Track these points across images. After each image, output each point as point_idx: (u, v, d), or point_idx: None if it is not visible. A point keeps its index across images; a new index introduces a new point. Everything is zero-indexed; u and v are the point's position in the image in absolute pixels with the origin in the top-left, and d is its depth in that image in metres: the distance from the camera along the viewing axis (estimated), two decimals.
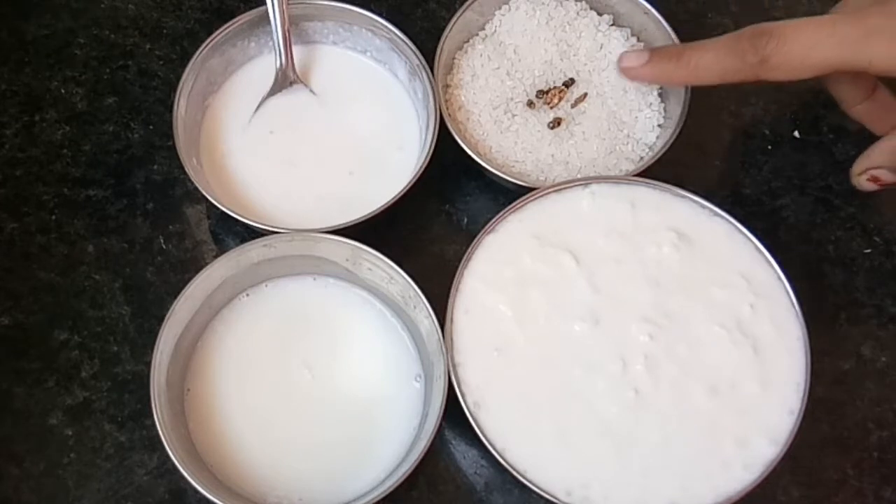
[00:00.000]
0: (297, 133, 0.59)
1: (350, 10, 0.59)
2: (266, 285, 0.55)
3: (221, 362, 0.53)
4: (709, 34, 0.53)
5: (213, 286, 0.52)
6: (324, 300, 0.55)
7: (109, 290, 0.56)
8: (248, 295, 0.55)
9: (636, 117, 0.58)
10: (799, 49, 0.48)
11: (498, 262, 0.52)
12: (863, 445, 0.54)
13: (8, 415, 0.53)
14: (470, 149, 0.56)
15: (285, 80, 0.60)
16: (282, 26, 0.58)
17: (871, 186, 0.53)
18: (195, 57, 0.57)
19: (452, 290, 0.51)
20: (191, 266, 0.57)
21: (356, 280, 0.54)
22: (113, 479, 0.52)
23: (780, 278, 0.51)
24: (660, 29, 0.59)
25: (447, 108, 0.58)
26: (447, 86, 0.60)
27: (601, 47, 0.60)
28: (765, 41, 0.48)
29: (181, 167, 0.54)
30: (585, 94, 0.59)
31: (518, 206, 0.53)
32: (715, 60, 0.51)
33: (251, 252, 0.52)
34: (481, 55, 0.60)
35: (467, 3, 0.59)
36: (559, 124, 0.58)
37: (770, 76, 0.49)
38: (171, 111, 0.55)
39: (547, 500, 0.47)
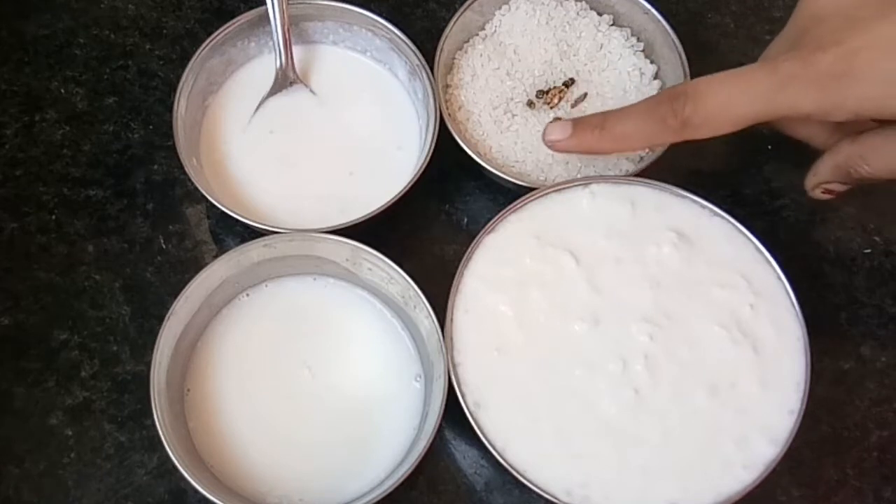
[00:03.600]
0: (297, 133, 0.59)
1: (350, 10, 0.59)
2: (266, 285, 0.55)
3: (221, 362, 0.53)
4: (709, 34, 0.53)
5: (213, 286, 0.52)
6: (324, 300, 0.55)
7: (109, 290, 0.56)
8: (248, 295, 0.55)
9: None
10: (716, 107, 0.48)
11: (498, 262, 0.52)
12: (863, 445, 0.54)
13: (8, 415, 0.53)
14: (470, 149, 0.56)
15: (285, 80, 0.60)
16: (282, 26, 0.58)
17: (827, 197, 0.54)
18: (195, 57, 0.57)
19: (452, 290, 0.51)
20: (191, 266, 0.57)
21: (356, 280, 0.54)
22: (113, 479, 0.52)
23: (780, 278, 0.51)
24: (660, 29, 0.59)
25: (447, 108, 0.58)
26: (447, 86, 0.60)
27: (601, 47, 0.60)
28: (682, 103, 0.49)
29: (181, 167, 0.54)
30: (585, 94, 0.59)
31: (518, 206, 0.53)
32: (637, 128, 0.51)
33: (251, 252, 0.52)
34: (481, 55, 0.60)
35: (467, 3, 0.59)
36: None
37: (695, 136, 0.50)
38: (171, 111, 0.55)
39: (547, 500, 0.47)
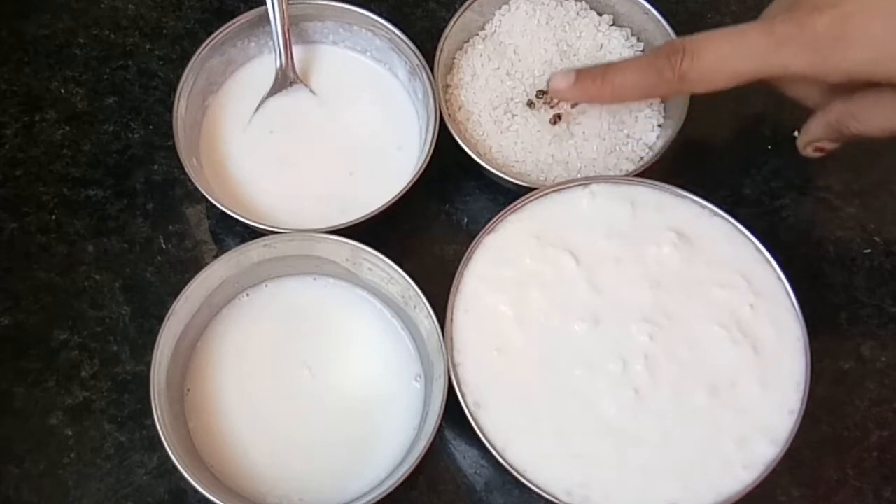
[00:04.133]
0: (296, 133, 0.59)
1: (350, 10, 0.59)
2: (266, 285, 0.55)
3: (221, 362, 0.53)
4: None
5: (213, 286, 0.52)
6: (324, 300, 0.55)
7: (109, 290, 0.56)
8: (248, 295, 0.55)
9: (636, 117, 0.58)
10: (712, 63, 0.50)
11: (498, 262, 0.52)
12: (863, 445, 0.54)
13: (8, 415, 0.53)
14: (470, 149, 0.56)
15: (285, 80, 0.60)
16: (282, 26, 0.58)
17: (818, 154, 0.55)
18: (195, 57, 0.57)
19: (452, 290, 0.51)
20: (191, 266, 0.57)
21: (356, 280, 0.54)
22: (113, 479, 0.52)
23: (780, 278, 0.51)
24: (660, 29, 0.59)
25: (447, 108, 0.58)
26: (447, 86, 0.60)
27: (601, 47, 0.60)
28: (679, 57, 0.50)
29: (181, 167, 0.54)
30: None
31: (518, 206, 0.53)
32: (635, 79, 0.53)
33: (251, 252, 0.52)
34: (481, 55, 0.60)
35: (467, 3, 0.59)
36: (560, 119, 0.57)
37: (690, 90, 0.53)
38: (171, 111, 0.55)
39: (547, 500, 0.47)
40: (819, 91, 0.53)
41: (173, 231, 0.58)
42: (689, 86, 0.51)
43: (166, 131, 0.57)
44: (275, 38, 0.58)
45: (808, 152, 0.55)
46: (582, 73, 0.55)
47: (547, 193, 0.53)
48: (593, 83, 0.54)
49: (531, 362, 0.49)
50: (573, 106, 0.58)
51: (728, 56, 0.50)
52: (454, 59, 0.60)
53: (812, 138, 0.54)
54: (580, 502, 0.47)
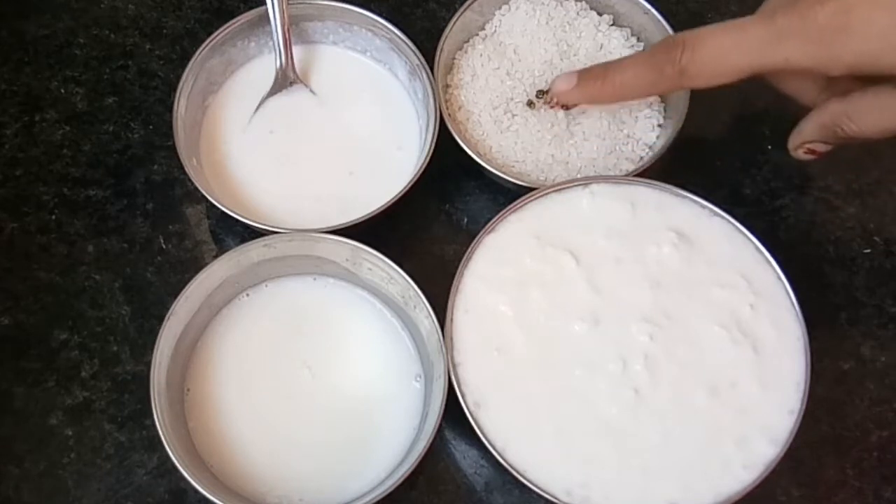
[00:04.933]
0: (296, 133, 0.59)
1: (350, 10, 0.59)
2: (266, 285, 0.55)
3: (221, 362, 0.53)
4: None
5: (213, 286, 0.52)
6: (324, 300, 0.55)
7: (109, 290, 0.56)
8: (248, 295, 0.55)
9: (636, 117, 0.58)
10: (712, 56, 0.50)
11: (498, 262, 0.52)
12: (863, 445, 0.54)
13: (8, 415, 0.53)
14: (470, 149, 0.56)
15: (285, 80, 0.60)
16: (282, 26, 0.58)
17: (809, 157, 0.54)
18: (195, 57, 0.57)
19: (452, 290, 0.51)
20: (191, 266, 0.57)
21: (356, 280, 0.54)
22: (113, 479, 0.52)
23: (780, 278, 0.51)
24: (660, 29, 0.59)
25: (447, 108, 0.58)
26: (447, 86, 0.60)
27: (601, 47, 0.60)
28: (679, 52, 0.50)
29: (181, 167, 0.54)
30: None
31: (518, 206, 0.53)
32: (636, 76, 0.53)
33: (251, 252, 0.52)
34: (481, 55, 0.60)
35: (467, 3, 0.59)
36: (568, 107, 0.58)
37: (691, 84, 0.52)
38: (171, 111, 0.55)
39: (547, 500, 0.47)
40: (815, 87, 0.52)
41: (173, 231, 0.58)
42: (690, 80, 0.51)
43: (166, 131, 0.57)
44: (275, 38, 0.58)
45: (800, 154, 0.54)
46: (583, 74, 0.55)
47: (547, 193, 0.53)
48: (595, 83, 0.54)
49: (531, 362, 0.49)
50: (573, 105, 0.58)
51: (728, 49, 0.49)
52: (454, 59, 0.60)
53: (805, 139, 0.53)
54: (580, 502, 0.47)
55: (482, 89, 0.59)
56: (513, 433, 0.48)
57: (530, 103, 0.59)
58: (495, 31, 0.61)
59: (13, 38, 0.63)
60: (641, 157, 0.58)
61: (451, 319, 0.50)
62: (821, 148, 0.53)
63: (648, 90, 0.55)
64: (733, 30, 0.49)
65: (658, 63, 0.51)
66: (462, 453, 0.54)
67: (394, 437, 0.51)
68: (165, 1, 0.65)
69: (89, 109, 0.61)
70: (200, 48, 0.57)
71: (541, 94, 0.59)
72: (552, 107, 0.58)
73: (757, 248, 0.52)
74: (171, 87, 0.57)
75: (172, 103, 0.55)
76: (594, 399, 0.49)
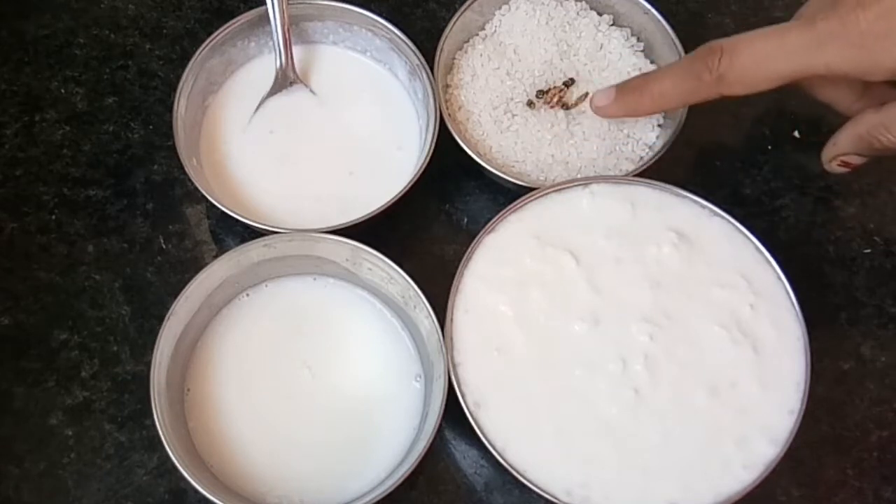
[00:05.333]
0: (296, 133, 0.59)
1: (350, 10, 0.59)
2: (266, 285, 0.55)
3: (221, 362, 0.53)
4: (709, 34, 0.53)
5: (213, 286, 0.52)
6: (324, 300, 0.55)
7: (109, 290, 0.56)
8: (248, 295, 0.55)
9: (636, 118, 0.58)
10: (751, 63, 0.49)
11: (498, 262, 0.52)
12: (863, 445, 0.54)
13: (8, 415, 0.53)
14: (470, 149, 0.56)
15: (285, 80, 0.60)
16: (282, 26, 0.58)
17: (842, 170, 0.54)
18: (195, 57, 0.57)
19: (452, 290, 0.51)
20: (191, 266, 0.57)
21: (356, 280, 0.54)
22: (113, 479, 0.52)
23: (780, 278, 0.51)
24: (660, 29, 0.59)
25: (447, 108, 0.58)
26: (447, 86, 0.60)
27: (601, 47, 0.60)
28: (717, 59, 0.49)
29: (181, 167, 0.54)
30: (586, 94, 0.59)
31: (518, 206, 0.53)
32: (674, 85, 0.52)
33: (251, 252, 0.52)
34: (481, 55, 0.60)
35: (467, 3, 0.59)
36: (568, 107, 0.58)
37: (730, 92, 0.50)
38: (171, 111, 0.55)
39: (547, 500, 0.47)
40: (852, 95, 0.52)
41: (173, 231, 0.58)
42: (728, 87, 0.50)
43: (166, 131, 0.57)
44: (275, 38, 0.58)
45: (833, 167, 0.53)
46: (621, 88, 0.54)
47: (547, 193, 0.53)
48: (633, 95, 0.54)
49: (531, 362, 0.49)
50: (574, 104, 0.58)
51: (768, 55, 0.48)
52: (454, 59, 0.60)
53: (840, 151, 0.52)
54: (580, 502, 0.47)
55: (482, 89, 0.59)
56: (513, 433, 0.48)
57: (530, 103, 0.59)
58: (495, 31, 0.61)
59: (13, 38, 0.63)
60: (641, 157, 0.58)
61: (451, 319, 0.50)
62: (855, 160, 0.52)
63: (687, 99, 0.53)
64: (773, 35, 0.48)
65: (696, 71, 0.50)
66: (462, 453, 0.54)
67: (394, 437, 0.51)
68: (165, 1, 0.65)
69: (89, 109, 0.61)
70: (200, 48, 0.57)
71: (541, 94, 0.59)
72: (552, 107, 0.58)
73: (757, 248, 0.52)
74: (171, 87, 0.57)
75: (172, 103, 0.55)
76: (594, 399, 0.49)
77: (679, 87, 0.52)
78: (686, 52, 0.57)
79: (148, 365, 0.48)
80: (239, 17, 0.58)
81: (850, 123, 0.51)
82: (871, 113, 0.50)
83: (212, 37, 0.58)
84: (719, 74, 0.49)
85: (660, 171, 0.55)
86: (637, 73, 0.59)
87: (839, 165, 0.53)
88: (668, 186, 0.53)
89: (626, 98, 0.54)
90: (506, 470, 0.47)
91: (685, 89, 0.52)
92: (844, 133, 0.52)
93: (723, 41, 0.50)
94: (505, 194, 0.57)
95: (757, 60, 0.48)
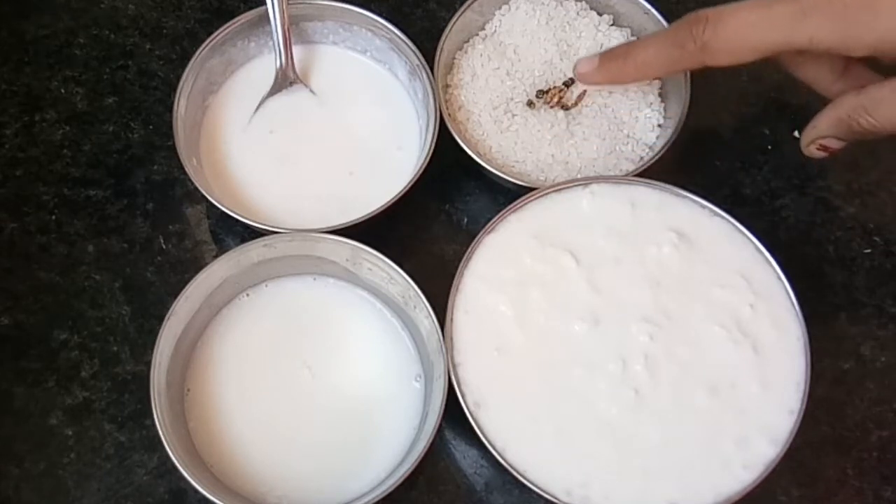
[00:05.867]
0: (297, 133, 0.59)
1: (350, 10, 0.59)
2: (266, 285, 0.55)
3: (221, 362, 0.53)
4: None
5: (213, 286, 0.52)
6: (324, 300, 0.55)
7: (109, 290, 0.56)
8: (248, 295, 0.55)
9: (636, 117, 0.58)
10: (736, 32, 0.49)
11: (498, 262, 0.52)
12: (863, 445, 0.54)
13: (8, 415, 0.53)
14: (470, 149, 0.56)
15: (285, 80, 0.60)
16: (282, 26, 0.58)
17: (821, 154, 0.53)
18: (195, 57, 0.57)
19: (452, 290, 0.51)
20: (191, 266, 0.57)
21: (356, 280, 0.54)
22: (113, 479, 0.52)
23: (780, 278, 0.51)
24: (660, 29, 0.59)
25: (447, 108, 0.58)
26: (447, 86, 0.60)
27: (601, 47, 0.60)
28: (701, 27, 0.49)
29: (181, 167, 0.54)
30: (585, 93, 0.59)
31: (518, 206, 0.53)
32: (658, 53, 0.52)
33: (251, 252, 0.52)
34: (481, 55, 0.60)
35: (467, 3, 0.59)
36: (568, 107, 0.58)
37: (713, 62, 0.50)
38: (171, 111, 0.55)
39: (547, 500, 0.47)
40: (832, 74, 0.51)
41: (173, 231, 0.58)
42: (712, 57, 0.50)
43: (166, 131, 0.57)
44: (275, 38, 0.58)
45: (812, 151, 0.53)
46: (605, 55, 0.55)
47: (547, 193, 0.53)
48: (616, 62, 0.54)
49: (531, 362, 0.49)
50: (576, 102, 0.58)
51: (752, 25, 0.48)
52: (454, 59, 0.60)
53: (820, 134, 0.52)
54: (580, 502, 0.47)
55: (482, 89, 0.59)
56: (513, 433, 0.48)
57: (530, 103, 0.59)
58: (495, 31, 0.61)
59: (13, 38, 0.63)
60: (641, 157, 0.58)
61: (451, 319, 0.50)
62: (834, 144, 0.52)
63: (670, 67, 0.54)
64: (758, 6, 0.48)
65: (680, 39, 0.50)
66: (462, 453, 0.54)
67: (394, 438, 0.51)
68: (165, 1, 0.65)
69: (89, 109, 0.61)
70: (200, 48, 0.57)
71: (541, 94, 0.59)
72: (552, 107, 0.58)
73: (757, 248, 0.52)
74: (171, 87, 0.57)
75: (172, 103, 0.55)
76: (594, 399, 0.49)
77: (663, 55, 0.52)
78: None
79: (148, 365, 0.48)
80: (239, 17, 0.58)
81: (831, 106, 0.51)
82: (851, 95, 0.50)
83: (212, 37, 0.58)
84: (703, 43, 0.49)
85: (660, 171, 0.55)
86: None
87: (818, 150, 0.53)
88: (668, 186, 0.53)
89: (610, 65, 0.54)
90: (506, 470, 0.47)
91: (669, 58, 0.52)
92: (824, 116, 0.51)
93: (708, 10, 0.50)
94: (505, 194, 0.57)
95: (741, 30, 0.49)
